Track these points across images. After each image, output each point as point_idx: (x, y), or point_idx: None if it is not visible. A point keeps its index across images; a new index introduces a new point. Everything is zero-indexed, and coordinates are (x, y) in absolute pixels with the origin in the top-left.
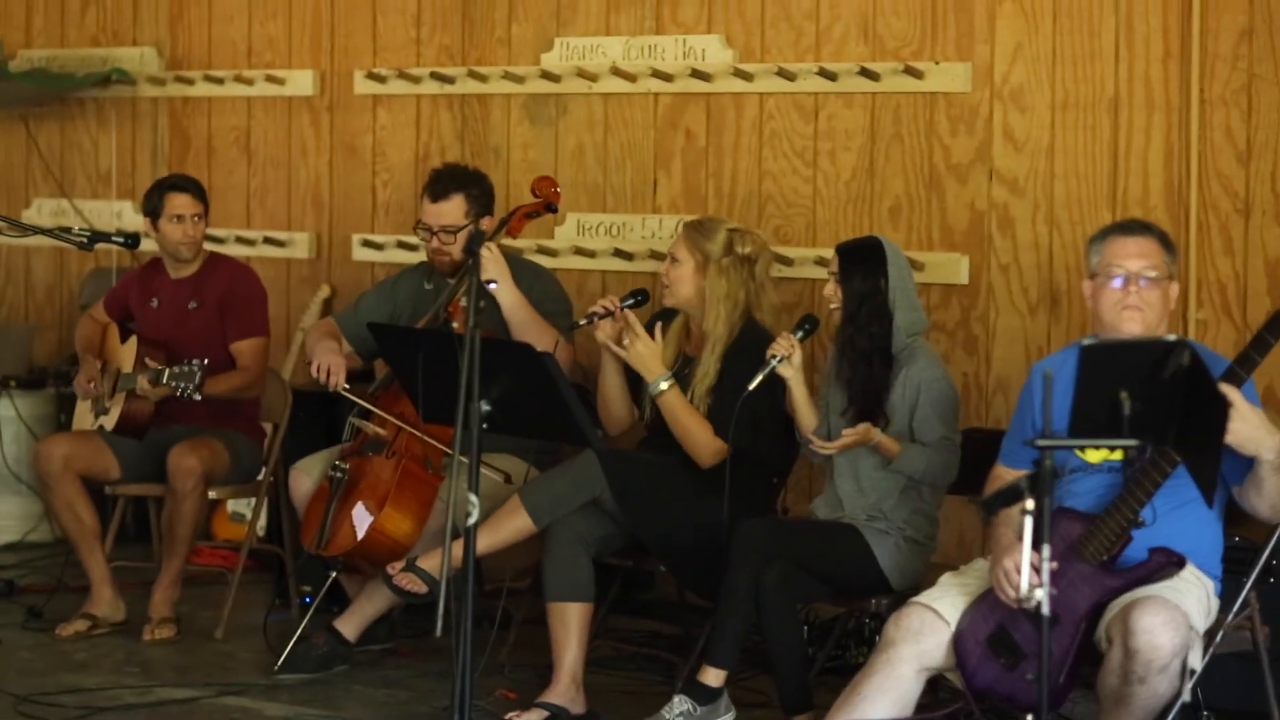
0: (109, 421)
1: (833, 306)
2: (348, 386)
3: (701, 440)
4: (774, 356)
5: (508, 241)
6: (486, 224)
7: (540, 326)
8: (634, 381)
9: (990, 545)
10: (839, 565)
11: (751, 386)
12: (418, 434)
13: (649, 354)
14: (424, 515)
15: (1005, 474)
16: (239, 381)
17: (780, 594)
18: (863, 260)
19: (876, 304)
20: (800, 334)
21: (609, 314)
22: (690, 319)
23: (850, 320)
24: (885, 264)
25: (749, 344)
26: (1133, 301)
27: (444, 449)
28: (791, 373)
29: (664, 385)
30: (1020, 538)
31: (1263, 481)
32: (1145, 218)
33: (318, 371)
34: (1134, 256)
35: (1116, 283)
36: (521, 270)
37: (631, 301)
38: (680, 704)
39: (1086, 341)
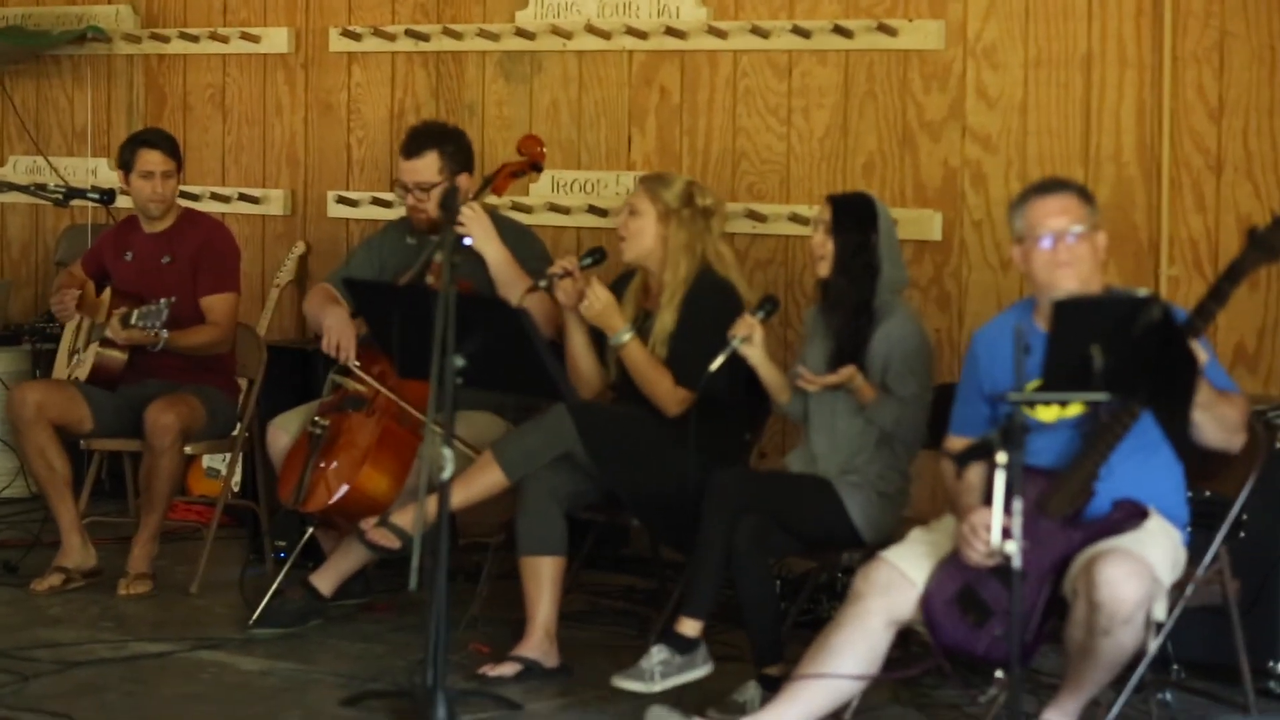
0: (82, 372)
1: (820, 257)
2: (358, 364)
3: (664, 389)
4: (734, 337)
5: (492, 200)
6: (464, 181)
7: (524, 283)
8: (601, 344)
9: (951, 507)
10: (811, 517)
11: (713, 368)
12: (397, 399)
13: (608, 309)
14: (403, 474)
15: (957, 443)
16: (207, 336)
17: (753, 547)
18: (856, 213)
19: (868, 256)
20: (761, 314)
21: (568, 274)
22: (648, 274)
23: (843, 271)
24: (876, 218)
25: (704, 290)
26: (1064, 258)
27: (422, 417)
28: (754, 352)
29: (625, 337)
30: (986, 500)
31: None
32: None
33: (328, 346)
34: (1057, 214)
35: (1045, 243)
36: (505, 229)
37: (589, 260)
38: (659, 653)
39: (1059, 296)
